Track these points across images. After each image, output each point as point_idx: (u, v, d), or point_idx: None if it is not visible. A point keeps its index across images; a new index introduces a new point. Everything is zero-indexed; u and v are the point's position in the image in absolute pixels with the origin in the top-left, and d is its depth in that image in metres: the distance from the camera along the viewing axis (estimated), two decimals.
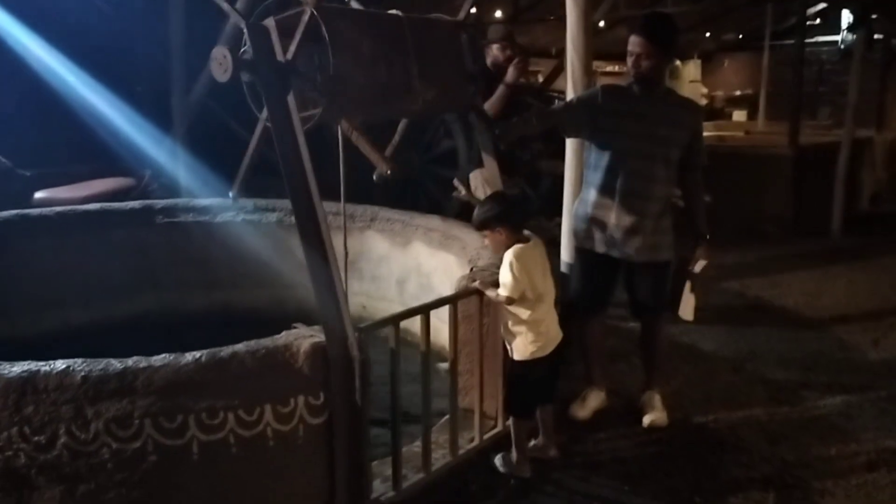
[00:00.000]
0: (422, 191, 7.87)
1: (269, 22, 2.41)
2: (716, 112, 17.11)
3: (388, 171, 2.67)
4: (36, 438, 2.15)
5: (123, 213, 4.85)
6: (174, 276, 4.89)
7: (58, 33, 6.09)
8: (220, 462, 2.31)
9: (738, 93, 17.10)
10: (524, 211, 3.01)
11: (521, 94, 8.56)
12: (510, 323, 2.88)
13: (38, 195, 5.21)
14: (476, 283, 2.97)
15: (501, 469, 2.97)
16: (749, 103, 16.12)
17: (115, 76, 6.44)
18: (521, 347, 2.87)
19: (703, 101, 17.23)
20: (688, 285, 3.35)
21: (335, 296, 2.40)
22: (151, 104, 6.55)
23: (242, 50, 2.40)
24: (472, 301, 3.03)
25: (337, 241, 4.65)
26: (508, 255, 2.81)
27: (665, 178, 3.26)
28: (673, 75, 14.70)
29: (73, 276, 4.57)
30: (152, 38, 6.77)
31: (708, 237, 3.36)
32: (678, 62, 15.93)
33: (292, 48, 2.40)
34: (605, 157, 3.28)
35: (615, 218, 3.26)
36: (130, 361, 2.25)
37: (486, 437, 3.08)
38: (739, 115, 16.26)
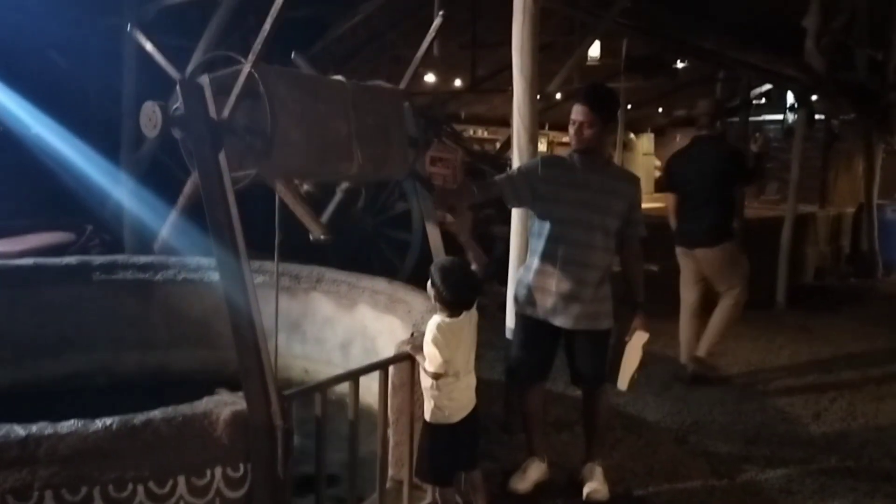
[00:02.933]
0: (375, 252, 7.85)
1: (204, 79, 2.38)
2: None
3: (322, 237, 2.62)
4: None
5: (59, 269, 4.68)
6: (109, 336, 4.71)
7: (8, 83, 5.99)
8: None
9: None
10: (463, 302, 2.77)
11: (476, 162, 8.68)
12: (426, 385, 2.81)
13: None
14: (408, 348, 2.90)
15: None
16: None
17: (66, 126, 6.33)
18: (428, 410, 2.81)
19: (657, 174, 17.74)
20: (625, 355, 3.32)
21: (258, 361, 2.31)
22: (101, 158, 6.44)
23: (175, 106, 2.36)
24: (406, 367, 2.95)
25: (282, 303, 4.58)
26: (431, 326, 2.74)
27: (604, 247, 3.27)
28: (627, 147, 15.10)
29: (1, 333, 4.37)
30: (105, 92, 6.71)
31: (644, 308, 3.35)
32: (632, 135, 16.42)
33: (229, 105, 2.37)
34: (546, 226, 3.29)
35: (555, 285, 3.26)
36: (35, 428, 2.12)
37: None
38: None
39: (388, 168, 2.99)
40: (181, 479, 2.21)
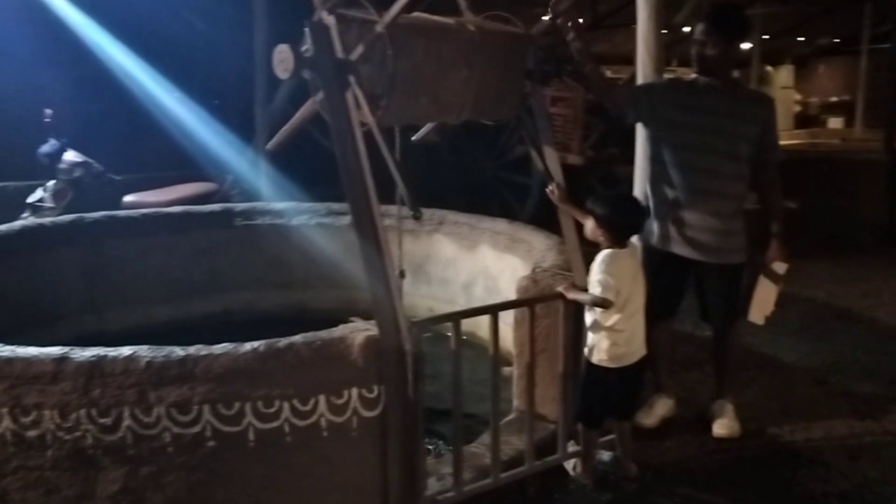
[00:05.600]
0: (495, 196, 7.89)
1: (329, 19, 2.45)
2: (810, 119, 16.43)
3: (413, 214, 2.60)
4: (102, 420, 2.25)
5: (204, 216, 5.05)
6: (251, 277, 5.05)
7: (149, 46, 6.44)
8: (275, 450, 2.36)
9: (833, 99, 16.37)
10: (633, 226, 2.84)
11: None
12: (589, 324, 2.81)
13: (127, 198, 5.50)
14: (561, 288, 2.89)
15: (570, 471, 2.92)
16: (846, 110, 15.41)
17: (203, 86, 6.76)
18: (595, 352, 2.80)
19: (797, 109, 16.59)
20: (759, 288, 3.19)
21: (389, 289, 2.42)
22: (236, 113, 6.83)
23: (305, 48, 2.46)
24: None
25: (407, 245, 4.74)
26: (599, 258, 2.75)
27: (733, 176, 3.13)
28: (763, 81, 14.19)
29: (157, 274, 4.78)
30: (238, 50, 7.06)
31: (783, 237, 3.19)
32: (769, 68, 15.39)
33: (356, 53, 2.43)
34: (668, 152, 3.18)
35: (681, 215, 3.16)
36: (192, 349, 2.33)
37: (539, 438, 3.02)
38: (835, 123, 15.58)
39: (501, 110, 2.99)
40: (322, 398, 2.37)
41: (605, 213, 2.76)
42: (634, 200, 2.91)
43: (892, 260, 6.54)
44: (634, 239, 2.91)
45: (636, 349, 2.81)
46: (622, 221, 2.78)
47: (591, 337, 2.81)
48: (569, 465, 2.94)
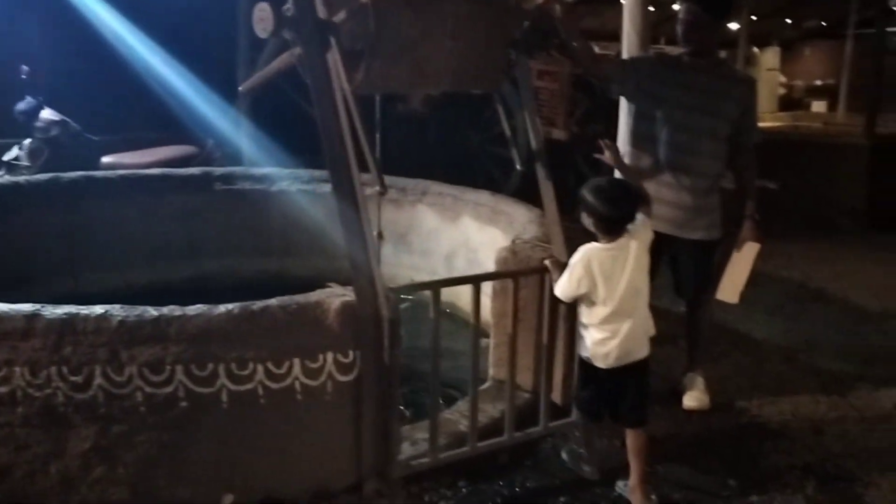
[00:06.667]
0: (480, 170, 7.87)
1: None
2: (794, 102, 16.48)
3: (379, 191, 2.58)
4: (73, 378, 2.24)
5: (183, 179, 5.00)
6: (231, 242, 5.02)
7: (130, 4, 6.31)
8: (249, 412, 2.37)
9: (818, 83, 16.42)
10: (621, 217, 2.55)
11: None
12: (579, 315, 2.71)
13: (105, 159, 5.43)
14: (548, 262, 2.85)
15: (566, 460, 2.85)
16: (830, 94, 15.46)
17: (185, 48, 6.64)
18: (582, 346, 2.70)
19: (781, 91, 16.62)
20: (731, 266, 3.22)
21: (367, 254, 2.42)
22: (219, 76, 6.72)
23: (286, 7, 2.42)
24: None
25: (389, 214, 4.72)
26: (577, 254, 2.60)
27: (711, 154, 3.15)
28: (750, 62, 14.18)
29: (135, 238, 4.74)
30: (221, 10, 6.93)
31: (757, 218, 3.21)
32: (755, 49, 15.38)
33: (339, 17, 2.40)
34: (649, 128, 3.19)
35: (656, 191, 3.17)
36: (166, 310, 2.32)
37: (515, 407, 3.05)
38: (819, 106, 15.62)
39: (484, 82, 2.97)
40: (296, 361, 2.38)
41: (592, 203, 2.54)
42: (626, 188, 2.62)
43: (868, 243, 6.62)
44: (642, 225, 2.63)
45: (627, 351, 2.57)
46: (610, 212, 2.53)
47: (581, 329, 2.71)
48: (564, 453, 2.87)
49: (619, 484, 2.71)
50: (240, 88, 2.86)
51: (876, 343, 4.25)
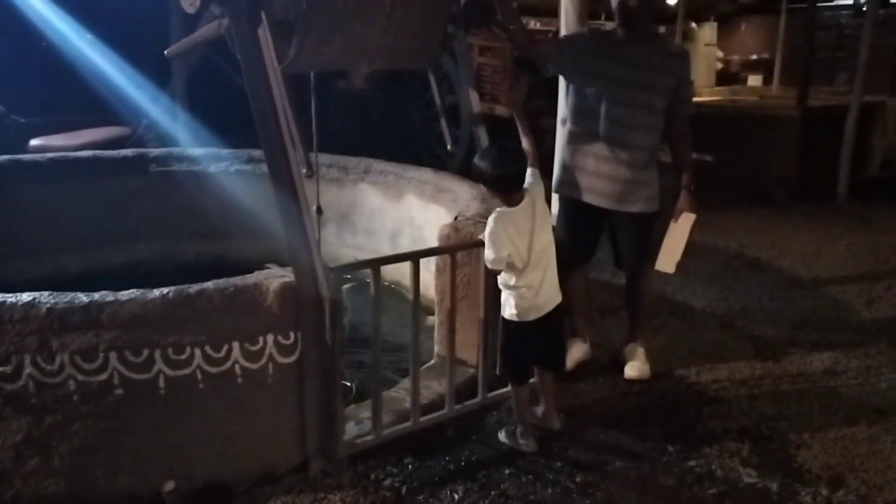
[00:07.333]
0: (424, 147, 7.83)
1: None
2: (731, 76, 16.81)
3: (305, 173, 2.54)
4: (1, 369, 2.17)
5: (116, 161, 4.85)
6: (168, 226, 4.90)
7: None
8: (187, 397, 2.33)
9: (754, 57, 16.70)
10: (510, 178, 2.67)
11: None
12: (499, 281, 2.78)
13: (34, 142, 5.23)
14: (482, 236, 2.83)
15: (505, 442, 2.85)
16: (765, 68, 15.80)
17: (115, 27, 6.41)
18: (506, 307, 2.78)
19: (719, 66, 16.93)
20: (668, 237, 3.28)
21: (305, 234, 2.39)
22: (152, 55, 6.50)
23: None
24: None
25: (331, 194, 4.66)
26: (489, 222, 2.69)
27: (648, 127, 3.18)
28: (687, 37, 14.40)
29: (66, 223, 4.59)
30: None
31: (692, 189, 3.28)
32: (693, 24, 15.62)
33: None
34: (586, 103, 3.22)
35: (595, 165, 3.21)
36: (97, 295, 2.26)
37: (460, 382, 3.08)
38: (755, 80, 15.94)
39: (418, 60, 2.95)
40: (235, 345, 2.35)
41: (482, 169, 2.67)
42: (508, 149, 2.74)
43: (801, 213, 6.83)
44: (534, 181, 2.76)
45: (548, 300, 2.77)
46: (499, 173, 2.65)
47: (503, 293, 2.79)
48: (501, 436, 2.88)
49: (538, 410, 2.94)
50: (165, 52, 2.77)
51: (807, 309, 4.39)
